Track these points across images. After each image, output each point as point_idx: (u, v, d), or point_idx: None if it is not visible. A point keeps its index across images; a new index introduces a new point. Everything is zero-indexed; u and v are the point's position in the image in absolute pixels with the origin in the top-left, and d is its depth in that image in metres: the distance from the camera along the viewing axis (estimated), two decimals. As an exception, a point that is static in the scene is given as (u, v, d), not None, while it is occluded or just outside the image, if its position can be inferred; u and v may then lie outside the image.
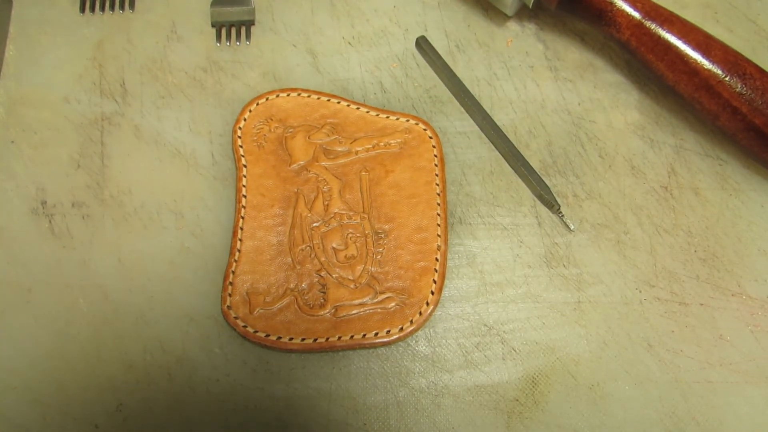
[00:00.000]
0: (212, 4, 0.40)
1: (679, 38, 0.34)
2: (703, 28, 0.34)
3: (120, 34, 0.39)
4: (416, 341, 0.34)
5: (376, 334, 0.33)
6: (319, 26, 0.40)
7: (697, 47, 0.34)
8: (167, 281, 0.35)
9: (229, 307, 0.33)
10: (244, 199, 0.35)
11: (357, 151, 0.37)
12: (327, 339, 0.32)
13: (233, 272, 0.34)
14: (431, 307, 0.33)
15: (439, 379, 0.33)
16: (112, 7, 0.40)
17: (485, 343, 0.33)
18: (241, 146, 0.37)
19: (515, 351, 0.33)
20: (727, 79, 0.33)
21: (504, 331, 0.34)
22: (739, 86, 0.33)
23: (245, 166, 0.36)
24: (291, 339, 0.32)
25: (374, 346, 0.33)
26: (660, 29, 0.34)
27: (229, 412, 0.32)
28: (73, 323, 0.34)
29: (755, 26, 0.39)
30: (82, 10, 0.40)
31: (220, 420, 0.32)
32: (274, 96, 0.38)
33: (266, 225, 0.35)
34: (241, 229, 0.35)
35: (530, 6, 0.37)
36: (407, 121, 0.38)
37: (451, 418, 0.32)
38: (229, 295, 0.33)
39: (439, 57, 0.38)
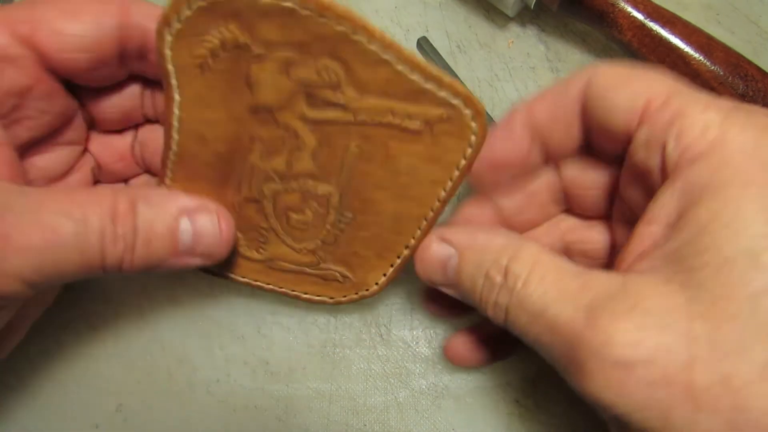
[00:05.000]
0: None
1: (681, 40, 0.34)
2: (705, 29, 0.34)
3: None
4: (417, 342, 0.34)
5: (306, 293, 0.31)
6: (320, 26, 0.40)
7: (698, 49, 0.34)
8: (167, 281, 0.35)
9: None
10: (176, 135, 0.26)
11: (358, 114, 0.24)
12: (255, 280, 0.31)
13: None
14: (369, 294, 0.30)
15: (440, 381, 0.33)
16: None
17: (486, 344, 0.33)
18: (172, 64, 0.24)
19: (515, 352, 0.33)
20: (728, 80, 0.33)
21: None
22: (740, 88, 0.33)
23: (177, 92, 0.24)
24: (221, 269, 0.30)
25: (300, 300, 0.31)
26: (662, 31, 0.34)
27: (229, 412, 0.32)
28: (74, 323, 0.34)
29: (757, 28, 0.39)
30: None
31: (220, 420, 0.32)
32: None
33: (205, 162, 0.26)
34: (172, 161, 0.27)
35: (532, 7, 0.37)
36: (454, 96, 0.23)
37: (451, 420, 0.32)
38: None
39: (441, 58, 0.38)
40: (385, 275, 0.29)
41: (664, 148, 0.22)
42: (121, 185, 0.27)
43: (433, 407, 0.32)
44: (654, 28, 0.34)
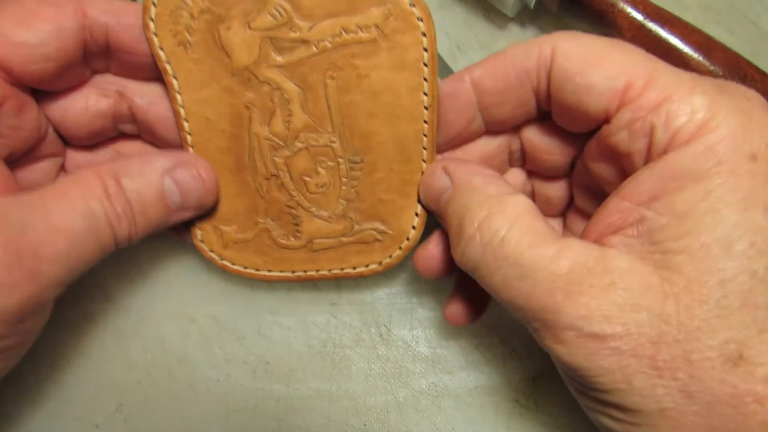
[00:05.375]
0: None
1: (681, 40, 0.34)
2: (704, 30, 0.34)
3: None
4: (417, 342, 0.34)
5: (355, 268, 0.31)
6: (320, 27, 0.40)
7: (698, 49, 0.34)
8: (168, 280, 0.35)
9: (201, 241, 0.30)
10: (186, 125, 0.28)
11: (318, 43, 0.27)
12: (305, 271, 0.31)
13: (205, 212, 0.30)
14: (411, 242, 0.30)
15: (440, 380, 0.33)
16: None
17: (486, 344, 0.33)
18: (161, 48, 0.27)
19: (515, 352, 0.33)
20: (728, 81, 0.33)
21: (504, 333, 0.34)
22: (740, 88, 0.33)
23: (175, 79, 0.27)
24: (269, 271, 0.31)
25: (351, 277, 0.31)
26: (661, 31, 0.34)
27: (230, 412, 0.32)
28: (74, 322, 0.34)
29: (756, 28, 0.39)
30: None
31: (220, 420, 0.32)
32: None
33: (218, 147, 0.29)
34: None
35: (531, 7, 0.37)
36: None
37: (451, 419, 0.32)
38: (199, 229, 0.30)
39: (441, 59, 0.38)
40: (417, 214, 0.30)
41: (651, 133, 0.22)
42: (97, 165, 0.28)
43: (433, 407, 0.33)
44: (653, 29, 0.34)
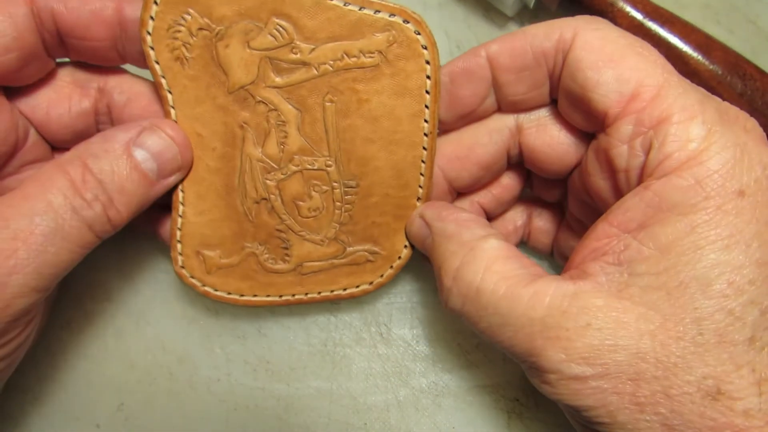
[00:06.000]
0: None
1: (680, 39, 0.34)
2: (704, 29, 0.34)
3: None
4: (417, 341, 0.34)
5: (345, 289, 0.30)
6: (320, 27, 0.40)
7: (697, 48, 0.34)
8: (167, 280, 0.35)
9: (182, 267, 0.29)
10: None
11: (319, 66, 0.26)
12: (293, 295, 0.30)
13: (179, 228, 0.29)
14: (403, 260, 0.30)
15: (440, 379, 0.33)
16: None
17: (486, 343, 0.33)
18: (156, 62, 0.26)
19: (516, 351, 0.33)
20: (727, 79, 0.33)
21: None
22: (739, 87, 0.33)
23: (170, 93, 0.27)
24: (255, 296, 0.30)
25: (342, 298, 0.31)
26: (661, 30, 0.34)
27: (230, 412, 0.32)
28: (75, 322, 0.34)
29: (756, 27, 0.39)
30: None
31: (220, 420, 0.32)
32: None
33: (208, 168, 0.28)
34: (184, 201, 0.28)
35: (531, 6, 0.37)
36: (391, 16, 0.25)
37: (451, 418, 0.32)
38: (180, 254, 0.29)
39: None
40: None
41: (648, 152, 0.22)
42: (58, 155, 0.26)
43: (433, 406, 0.33)
44: (653, 28, 0.34)
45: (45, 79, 0.28)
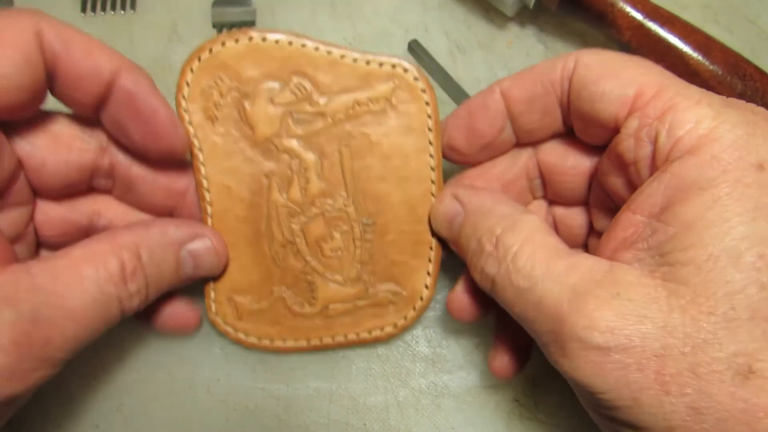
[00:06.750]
0: (213, 5, 0.40)
1: (680, 39, 0.34)
2: (704, 29, 0.34)
3: (121, 34, 0.39)
4: (416, 342, 0.34)
5: (370, 332, 0.31)
6: (320, 27, 0.40)
7: (697, 48, 0.34)
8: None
9: (216, 314, 0.31)
10: (207, 195, 0.29)
11: (334, 115, 0.29)
12: (321, 339, 0.31)
13: (213, 277, 0.30)
14: (425, 302, 0.31)
15: (440, 380, 0.33)
16: (113, 8, 0.40)
17: (485, 343, 0.33)
18: (189, 123, 0.29)
19: (515, 351, 0.33)
20: (727, 79, 0.33)
21: (504, 332, 0.34)
22: (739, 87, 0.33)
23: (200, 151, 0.29)
24: (284, 341, 0.31)
25: (367, 342, 0.31)
26: (661, 30, 0.34)
27: (230, 412, 0.32)
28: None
29: (755, 27, 0.39)
30: (84, 10, 0.40)
31: (220, 420, 0.32)
32: (220, 45, 0.28)
33: (237, 216, 0.30)
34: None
35: (531, 7, 0.37)
36: (393, 67, 0.29)
37: (451, 419, 0.32)
38: (213, 301, 0.30)
39: (433, 60, 0.38)
40: (429, 273, 0.31)
41: (655, 140, 0.23)
42: (113, 232, 0.26)
43: (432, 406, 0.33)
44: (653, 28, 0.34)
45: (45, 125, 0.27)
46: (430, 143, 0.29)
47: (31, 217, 0.28)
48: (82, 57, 0.25)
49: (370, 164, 0.29)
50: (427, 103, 0.29)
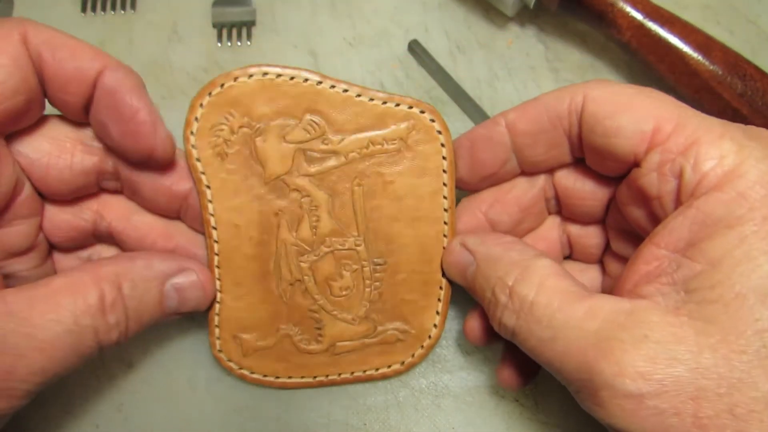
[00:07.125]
0: (213, 5, 0.40)
1: (680, 39, 0.34)
2: (704, 29, 0.34)
3: (121, 34, 0.39)
4: (416, 341, 0.34)
5: (377, 369, 0.31)
6: (320, 27, 0.40)
7: (697, 48, 0.34)
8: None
9: (220, 351, 0.30)
10: (214, 233, 0.29)
11: (348, 154, 0.29)
12: (327, 376, 0.31)
13: (217, 314, 0.30)
14: (433, 340, 0.31)
15: (440, 380, 0.33)
16: (113, 8, 0.40)
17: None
18: (198, 160, 0.28)
19: (515, 351, 0.33)
20: (727, 79, 0.33)
21: (504, 332, 0.34)
22: (739, 87, 0.33)
23: (208, 188, 0.28)
24: (290, 378, 0.31)
25: (374, 379, 0.31)
26: (661, 30, 0.34)
27: (229, 412, 0.32)
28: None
29: (756, 28, 0.39)
30: (84, 10, 0.40)
31: (220, 419, 0.32)
32: (232, 80, 0.28)
33: (245, 254, 0.29)
34: (218, 267, 0.29)
35: (531, 7, 0.37)
36: (410, 108, 0.29)
37: (451, 419, 0.32)
38: (218, 338, 0.30)
39: (433, 60, 0.38)
40: (438, 312, 0.30)
41: (680, 175, 0.22)
42: (97, 263, 0.26)
43: (433, 406, 0.33)
44: (653, 28, 0.34)
45: (46, 132, 0.27)
46: (444, 185, 0.29)
47: (40, 227, 0.28)
48: (68, 58, 0.25)
49: (383, 204, 0.29)
50: (442, 145, 0.29)
